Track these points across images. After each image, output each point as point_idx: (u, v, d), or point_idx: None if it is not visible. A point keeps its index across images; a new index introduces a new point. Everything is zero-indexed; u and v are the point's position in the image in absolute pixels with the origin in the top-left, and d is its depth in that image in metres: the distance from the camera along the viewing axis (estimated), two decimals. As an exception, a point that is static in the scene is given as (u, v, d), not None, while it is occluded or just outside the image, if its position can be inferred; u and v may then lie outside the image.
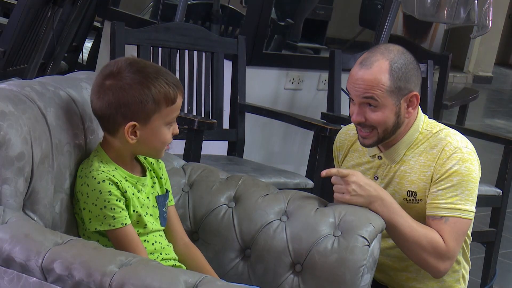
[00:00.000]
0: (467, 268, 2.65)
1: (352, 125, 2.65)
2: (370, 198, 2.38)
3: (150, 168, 2.25)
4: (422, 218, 2.47)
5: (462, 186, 2.42)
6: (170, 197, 2.31)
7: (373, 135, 2.45)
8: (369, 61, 2.41)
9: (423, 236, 2.40)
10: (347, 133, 2.67)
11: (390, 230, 2.41)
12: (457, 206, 2.42)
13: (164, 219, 2.26)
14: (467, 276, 2.65)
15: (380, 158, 2.55)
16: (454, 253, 2.43)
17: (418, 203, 2.48)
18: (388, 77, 2.39)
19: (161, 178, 2.27)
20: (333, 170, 2.42)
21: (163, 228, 2.26)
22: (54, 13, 3.81)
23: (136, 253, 2.00)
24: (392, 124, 2.43)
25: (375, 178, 2.54)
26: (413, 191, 2.47)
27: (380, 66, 2.40)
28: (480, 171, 2.49)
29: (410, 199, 2.48)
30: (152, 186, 2.24)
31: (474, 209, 2.45)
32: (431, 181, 2.45)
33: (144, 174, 2.23)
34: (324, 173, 2.41)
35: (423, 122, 2.52)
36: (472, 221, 2.49)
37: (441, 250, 2.40)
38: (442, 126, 2.53)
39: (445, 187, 2.43)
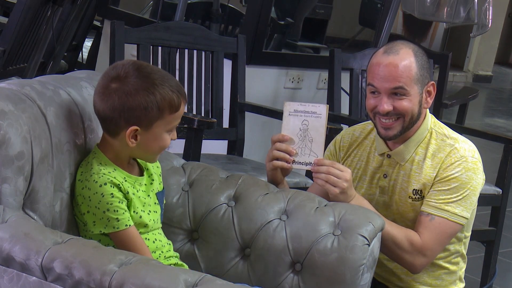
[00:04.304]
0: (464, 266, 2.69)
1: (357, 127, 2.68)
2: (350, 197, 2.42)
3: (147, 167, 2.25)
4: None
5: (458, 192, 2.46)
6: None
7: (397, 124, 2.46)
8: (394, 49, 2.45)
9: (399, 234, 2.45)
10: (353, 134, 2.68)
11: None
12: (446, 208, 2.46)
13: (163, 216, 2.27)
14: (463, 276, 2.69)
15: (389, 156, 2.56)
16: (430, 250, 2.47)
17: (423, 201, 2.51)
18: (415, 64, 2.43)
19: (160, 175, 2.28)
20: (327, 161, 2.42)
21: (161, 225, 2.27)
22: (54, 12, 3.81)
23: (141, 254, 2.00)
24: (416, 113, 2.46)
25: (384, 176, 2.56)
26: (418, 190, 2.51)
27: (407, 52, 2.44)
28: (484, 180, 2.54)
29: (415, 197, 2.51)
30: (151, 183, 2.24)
31: (465, 214, 2.48)
32: (432, 183, 2.49)
33: (141, 174, 2.23)
34: (316, 161, 2.41)
35: (431, 122, 2.56)
36: (463, 226, 2.52)
37: (416, 245, 2.45)
38: (450, 130, 2.57)
39: (440, 189, 2.47)
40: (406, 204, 2.53)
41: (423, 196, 2.50)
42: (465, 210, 2.47)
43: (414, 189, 2.51)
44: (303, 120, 2.44)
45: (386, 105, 2.43)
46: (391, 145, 2.55)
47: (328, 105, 2.47)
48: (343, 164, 2.64)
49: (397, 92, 2.43)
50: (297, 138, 2.44)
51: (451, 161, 2.48)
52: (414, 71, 2.43)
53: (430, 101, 2.51)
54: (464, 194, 2.46)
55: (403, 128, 2.47)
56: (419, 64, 2.44)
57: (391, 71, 2.42)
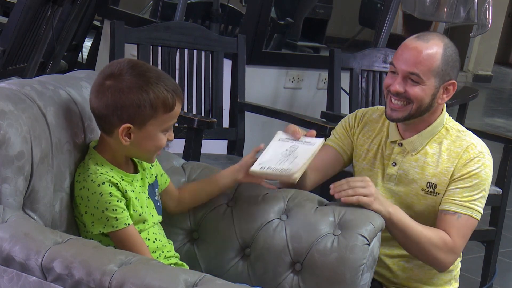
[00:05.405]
0: (459, 266, 2.71)
1: (378, 110, 2.68)
2: (386, 203, 2.41)
3: (140, 162, 2.25)
4: (435, 211, 2.52)
5: (479, 189, 2.49)
6: (162, 180, 2.32)
7: (405, 109, 2.48)
8: (426, 37, 2.46)
9: (433, 233, 2.46)
10: (372, 114, 2.69)
11: (405, 233, 2.44)
12: (471, 205, 2.48)
13: (159, 208, 2.27)
14: (458, 276, 2.71)
15: (400, 145, 2.57)
16: (460, 248, 2.50)
17: (435, 195, 2.52)
18: (440, 56, 2.44)
19: (151, 168, 2.28)
20: (340, 181, 2.40)
21: (160, 217, 2.27)
22: (54, 12, 3.81)
23: (140, 254, 2.00)
24: (426, 104, 2.47)
25: (393, 164, 2.56)
26: (433, 183, 2.52)
27: (436, 44, 2.45)
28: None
29: (428, 191, 2.52)
30: (147, 177, 2.24)
31: (482, 211, 2.52)
32: (451, 178, 2.50)
33: (136, 171, 2.23)
34: (333, 185, 2.39)
35: (446, 118, 2.58)
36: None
37: (449, 244, 2.46)
38: (463, 127, 2.59)
39: (463, 186, 2.49)
40: (417, 195, 2.54)
41: (437, 192, 2.51)
42: (481, 207, 2.51)
43: (429, 182, 2.52)
44: (292, 145, 2.36)
45: (398, 86, 2.45)
46: (404, 134, 2.57)
47: (323, 139, 2.39)
48: (355, 136, 2.66)
49: (412, 78, 2.44)
50: (280, 155, 2.33)
51: (469, 157, 2.50)
52: (436, 64, 2.43)
53: (446, 98, 2.51)
54: (483, 192, 2.50)
55: (409, 114, 2.48)
56: (445, 59, 2.45)
57: (413, 56, 2.43)
